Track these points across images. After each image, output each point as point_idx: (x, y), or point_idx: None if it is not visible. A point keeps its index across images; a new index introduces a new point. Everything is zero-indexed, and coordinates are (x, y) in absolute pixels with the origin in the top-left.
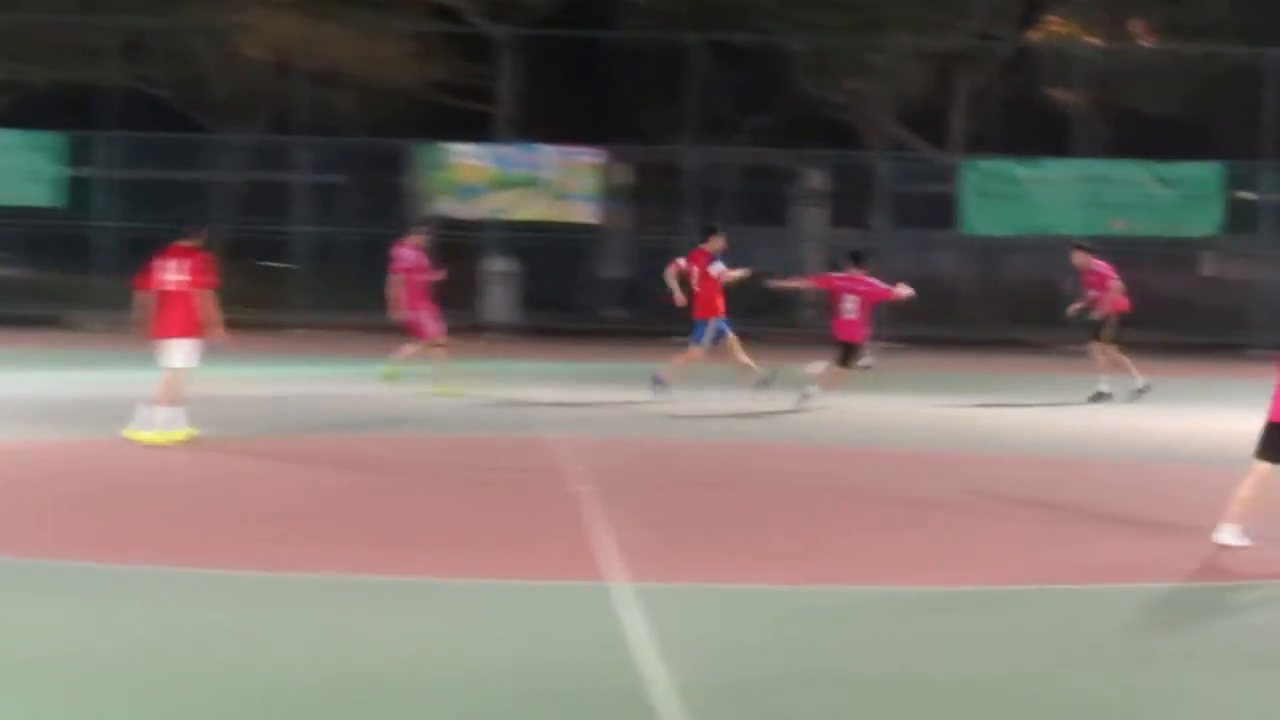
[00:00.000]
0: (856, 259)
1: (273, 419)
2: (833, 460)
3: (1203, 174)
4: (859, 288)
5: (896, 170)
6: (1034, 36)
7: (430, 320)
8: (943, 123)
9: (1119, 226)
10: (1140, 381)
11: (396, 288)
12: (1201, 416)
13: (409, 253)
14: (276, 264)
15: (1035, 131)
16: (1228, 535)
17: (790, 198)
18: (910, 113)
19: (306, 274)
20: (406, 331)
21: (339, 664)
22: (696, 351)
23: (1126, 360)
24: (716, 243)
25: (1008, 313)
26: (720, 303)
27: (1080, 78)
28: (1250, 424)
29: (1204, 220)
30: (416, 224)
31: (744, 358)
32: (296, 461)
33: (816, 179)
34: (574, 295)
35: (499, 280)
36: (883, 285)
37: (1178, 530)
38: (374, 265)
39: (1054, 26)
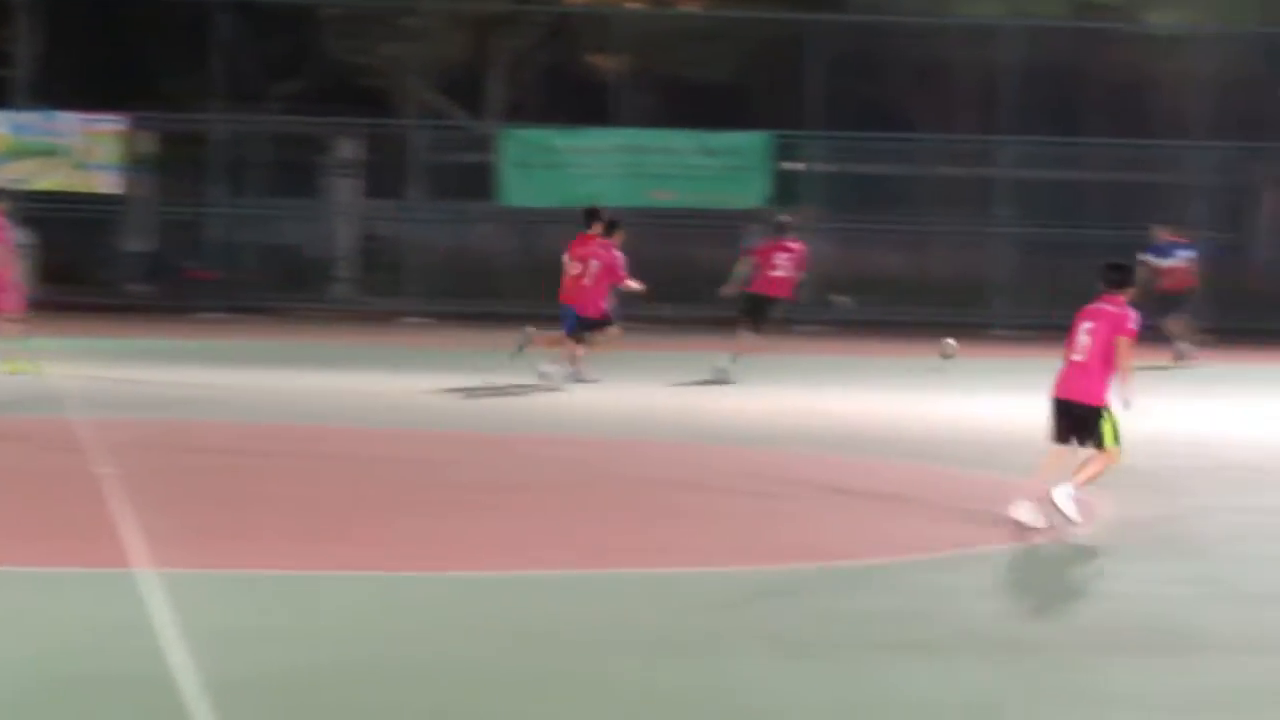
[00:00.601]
0: (611, 227)
1: None
2: (382, 443)
3: (748, 143)
4: (598, 253)
5: (432, 139)
6: (574, 1)
7: (13, 293)
8: (480, 90)
9: (661, 198)
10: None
11: None
12: (753, 396)
13: None
14: None
15: (576, 100)
16: (1025, 512)
17: (322, 168)
18: (447, 80)
19: None
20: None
21: None
22: (608, 333)
23: (747, 341)
24: (599, 228)
25: (548, 287)
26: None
27: (622, 44)
28: (816, 401)
29: (749, 191)
30: None
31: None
32: None
33: (349, 148)
34: (95, 269)
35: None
36: (620, 263)
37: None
38: None
39: None
